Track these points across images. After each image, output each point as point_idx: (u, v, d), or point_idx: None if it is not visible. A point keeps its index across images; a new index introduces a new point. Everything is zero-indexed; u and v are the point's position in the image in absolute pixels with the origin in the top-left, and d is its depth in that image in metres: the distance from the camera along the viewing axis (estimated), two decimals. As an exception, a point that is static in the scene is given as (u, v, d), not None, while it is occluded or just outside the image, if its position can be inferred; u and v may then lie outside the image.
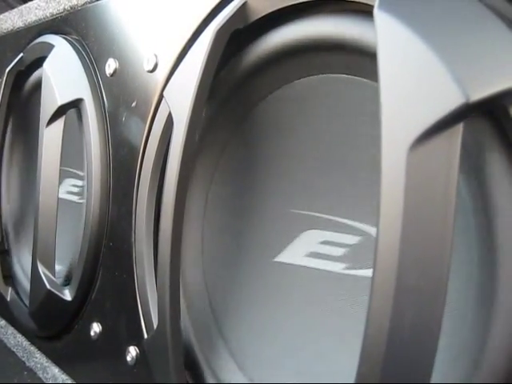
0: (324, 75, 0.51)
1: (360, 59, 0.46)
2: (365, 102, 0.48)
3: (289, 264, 0.55)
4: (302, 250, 0.54)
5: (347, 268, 0.50)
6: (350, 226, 0.50)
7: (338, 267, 0.51)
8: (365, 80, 0.48)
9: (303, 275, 0.54)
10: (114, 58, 0.70)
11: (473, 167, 0.40)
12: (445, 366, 0.41)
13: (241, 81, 0.56)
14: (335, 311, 0.51)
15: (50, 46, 0.82)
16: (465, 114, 0.33)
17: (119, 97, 0.69)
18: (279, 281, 0.56)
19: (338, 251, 0.51)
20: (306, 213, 0.54)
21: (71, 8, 0.82)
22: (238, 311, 0.60)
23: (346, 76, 0.50)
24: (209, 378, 0.58)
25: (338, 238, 0.51)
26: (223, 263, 0.61)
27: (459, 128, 0.34)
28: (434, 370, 0.35)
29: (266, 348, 0.57)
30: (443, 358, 0.42)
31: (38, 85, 0.89)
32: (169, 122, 0.58)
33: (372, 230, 0.49)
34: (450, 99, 0.33)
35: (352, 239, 0.50)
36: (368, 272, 0.48)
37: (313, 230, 0.53)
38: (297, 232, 0.55)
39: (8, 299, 0.97)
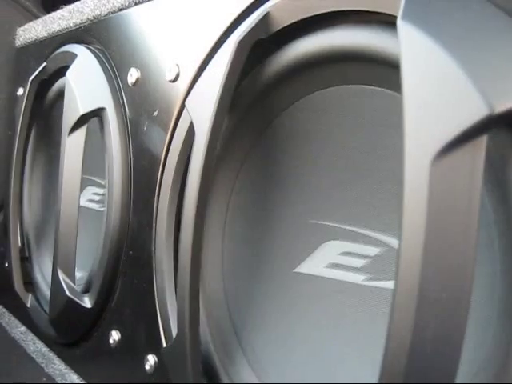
0: (347, 86, 0.51)
1: (383, 70, 0.46)
2: (387, 113, 0.48)
3: (309, 275, 0.55)
4: (322, 261, 0.54)
5: (367, 279, 0.50)
6: (370, 237, 0.50)
7: (358, 278, 0.51)
8: (387, 91, 0.48)
9: (323, 286, 0.53)
10: (135, 67, 0.70)
11: (497, 180, 0.39)
12: (466, 380, 0.41)
13: (262, 91, 0.56)
14: (355, 323, 0.51)
15: (73, 56, 0.83)
16: (489, 125, 0.33)
17: (141, 106, 0.69)
18: (299, 292, 0.56)
19: (358, 262, 0.51)
20: (326, 223, 0.54)
21: (94, 18, 0.83)
22: (258, 321, 0.59)
23: (369, 87, 0.49)
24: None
25: (358, 249, 0.51)
26: (243, 273, 0.61)
27: (483, 140, 0.33)
28: (456, 384, 0.35)
29: (284, 358, 0.56)
30: (465, 371, 0.41)
31: (60, 94, 0.90)
32: (190, 132, 0.58)
33: (392, 241, 0.48)
34: (474, 111, 0.33)
35: (372, 250, 0.50)
36: (388, 283, 0.48)
37: (333, 241, 0.53)
38: (317, 243, 0.54)
39: (28, 305, 0.98)
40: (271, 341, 0.58)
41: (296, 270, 0.56)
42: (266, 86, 0.56)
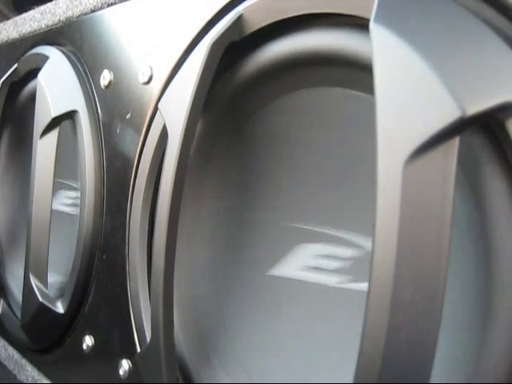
0: (321, 88, 0.51)
1: (356, 73, 0.46)
2: (361, 116, 0.48)
3: (283, 278, 0.55)
4: (296, 264, 0.54)
5: (342, 282, 0.50)
6: (344, 239, 0.50)
7: (332, 281, 0.51)
8: (362, 94, 0.48)
9: (298, 289, 0.53)
10: (108, 69, 0.70)
11: (469, 181, 0.40)
12: (440, 380, 0.41)
13: (238, 95, 0.56)
14: (331, 325, 0.51)
15: (45, 58, 0.82)
16: (461, 127, 0.33)
17: (114, 109, 0.69)
18: (274, 295, 0.56)
19: (332, 265, 0.51)
20: (299, 226, 0.54)
21: (66, 19, 0.82)
22: (237, 325, 0.59)
23: (343, 89, 0.50)
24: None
25: (332, 251, 0.51)
26: (228, 277, 0.61)
27: (455, 142, 0.34)
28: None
29: (262, 361, 0.56)
30: (439, 372, 0.41)
31: (32, 96, 0.88)
32: (163, 135, 0.57)
33: (367, 244, 0.48)
34: (446, 113, 0.33)
35: (347, 252, 0.50)
36: (363, 286, 0.48)
37: (308, 244, 0.53)
38: (290, 245, 0.55)
39: (-1, 311, 0.96)
40: (249, 344, 0.58)
41: (271, 272, 0.56)
42: (240, 90, 0.56)
